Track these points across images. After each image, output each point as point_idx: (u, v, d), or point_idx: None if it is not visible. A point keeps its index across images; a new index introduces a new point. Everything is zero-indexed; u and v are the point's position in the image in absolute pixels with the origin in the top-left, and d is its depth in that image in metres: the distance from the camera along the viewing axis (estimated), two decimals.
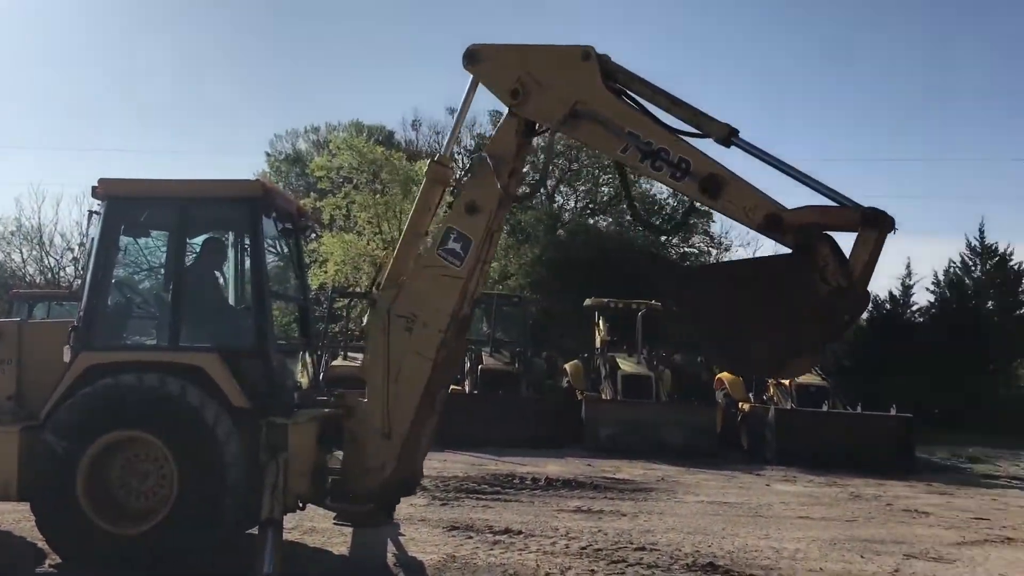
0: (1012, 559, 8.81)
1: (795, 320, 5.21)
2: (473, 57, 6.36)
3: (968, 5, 65.25)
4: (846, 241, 5.26)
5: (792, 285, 5.24)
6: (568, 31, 68.44)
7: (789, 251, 5.35)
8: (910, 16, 66.26)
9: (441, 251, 6.43)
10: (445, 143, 7.13)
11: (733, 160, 5.69)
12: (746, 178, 5.51)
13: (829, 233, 5.25)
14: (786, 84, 70.72)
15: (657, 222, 31.41)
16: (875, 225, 5.18)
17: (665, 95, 5.89)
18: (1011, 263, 31.55)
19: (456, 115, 7.19)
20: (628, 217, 33.01)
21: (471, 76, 6.47)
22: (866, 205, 5.21)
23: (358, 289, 24.71)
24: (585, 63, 5.98)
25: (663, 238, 33.11)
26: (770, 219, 5.37)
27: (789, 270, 5.31)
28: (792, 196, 5.44)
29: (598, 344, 20.49)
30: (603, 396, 18.59)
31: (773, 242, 5.47)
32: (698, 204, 6.26)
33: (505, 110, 6.40)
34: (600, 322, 20.72)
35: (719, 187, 5.50)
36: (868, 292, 5.26)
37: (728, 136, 5.67)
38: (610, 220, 35.81)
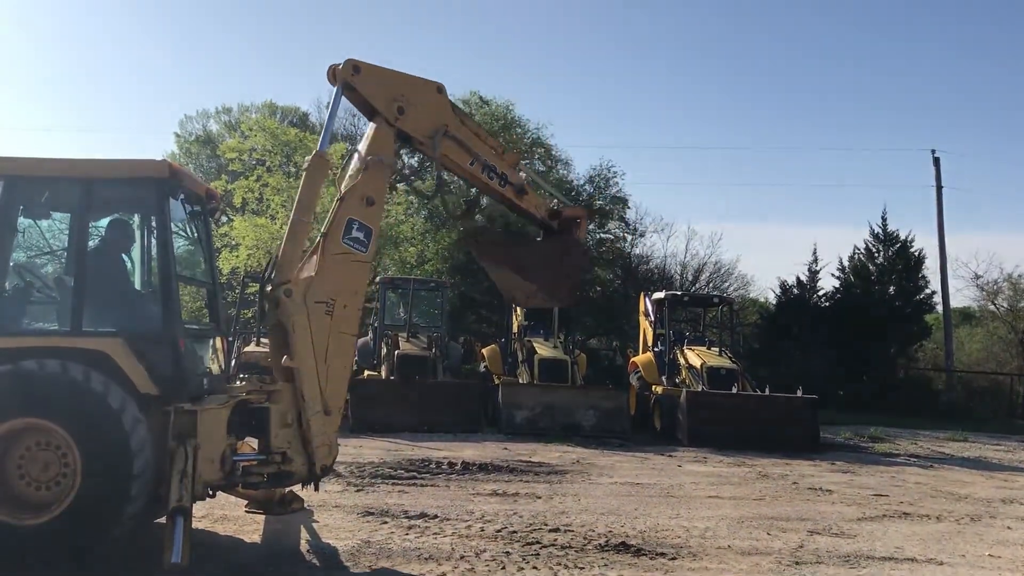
0: (908, 532, 9.22)
1: (570, 266, 8.37)
2: (357, 70, 7.33)
3: (879, 4, 67.47)
4: None
5: (566, 247, 8.29)
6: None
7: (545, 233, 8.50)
8: (823, 11, 68.23)
9: (347, 240, 7.18)
10: (321, 139, 7.67)
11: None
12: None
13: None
14: (709, 77, 72.11)
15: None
16: (592, 216, 9.19)
17: (482, 129, 8.19)
18: (911, 249, 32.73)
19: (329, 114, 7.91)
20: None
21: (342, 84, 7.31)
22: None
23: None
24: (440, 96, 7.70)
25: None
26: (551, 213, 8.37)
27: (561, 240, 8.33)
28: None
29: (515, 329, 20.58)
30: (520, 380, 18.70)
31: None
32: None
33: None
34: (517, 307, 20.77)
35: (525, 192, 8.10)
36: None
37: (517, 161, 8.30)
38: None
